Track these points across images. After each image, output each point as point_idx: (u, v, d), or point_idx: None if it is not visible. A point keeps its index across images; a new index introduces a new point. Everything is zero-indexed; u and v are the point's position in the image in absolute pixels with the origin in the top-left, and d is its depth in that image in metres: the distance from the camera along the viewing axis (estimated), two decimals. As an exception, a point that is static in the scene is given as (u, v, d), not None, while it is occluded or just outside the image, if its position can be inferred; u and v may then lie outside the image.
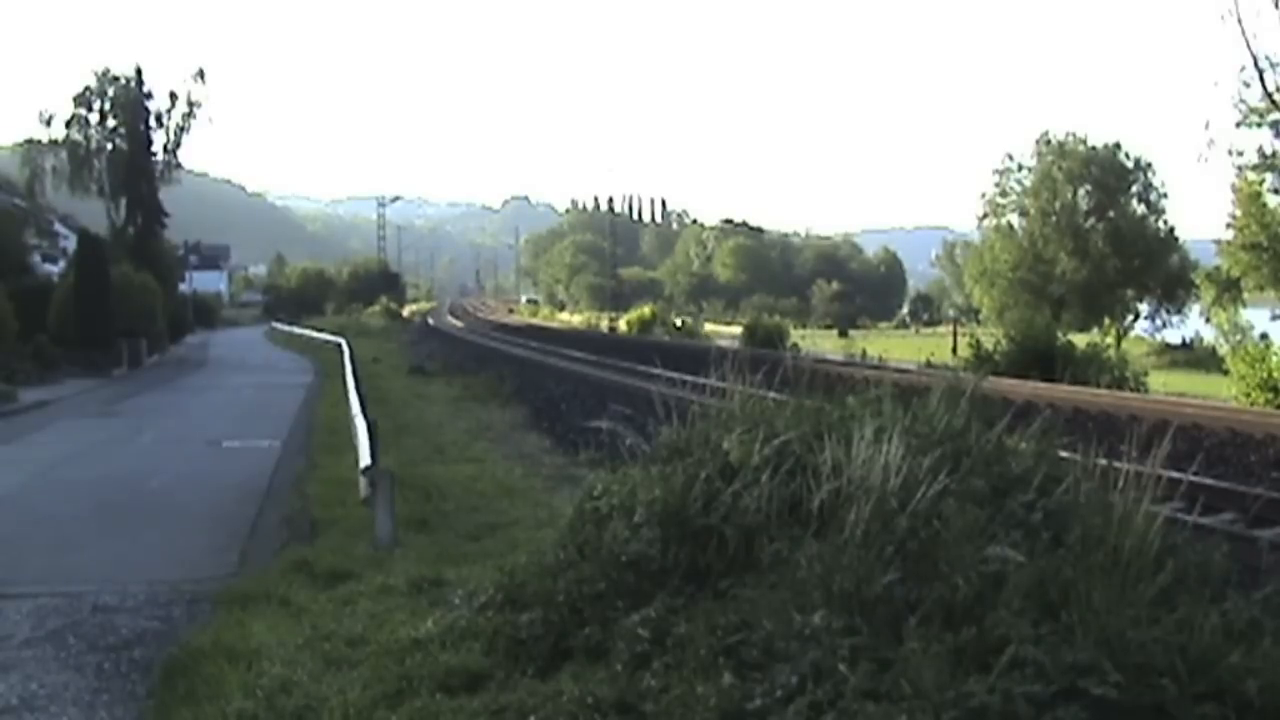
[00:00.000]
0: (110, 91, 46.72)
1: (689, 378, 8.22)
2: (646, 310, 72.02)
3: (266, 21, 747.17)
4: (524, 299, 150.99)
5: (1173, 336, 55.56)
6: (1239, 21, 28.83)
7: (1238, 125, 33.79)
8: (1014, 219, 59.07)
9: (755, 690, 3.85)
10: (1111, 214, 56.01)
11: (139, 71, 47.08)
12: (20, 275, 36.24)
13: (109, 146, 46.76)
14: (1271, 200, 36.52)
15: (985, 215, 59.74)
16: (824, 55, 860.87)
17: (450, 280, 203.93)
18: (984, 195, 59.18)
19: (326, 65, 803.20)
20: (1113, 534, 4.29)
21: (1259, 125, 33.48)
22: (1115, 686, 3.44)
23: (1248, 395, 19.85)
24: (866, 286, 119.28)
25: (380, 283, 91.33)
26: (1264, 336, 32.50)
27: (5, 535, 10.00)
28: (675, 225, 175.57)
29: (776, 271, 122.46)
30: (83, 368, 31.26)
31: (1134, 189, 56.72)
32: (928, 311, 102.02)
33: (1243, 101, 32.79)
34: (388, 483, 8.69)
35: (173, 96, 47.48)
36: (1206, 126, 46.03)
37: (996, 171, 58.94)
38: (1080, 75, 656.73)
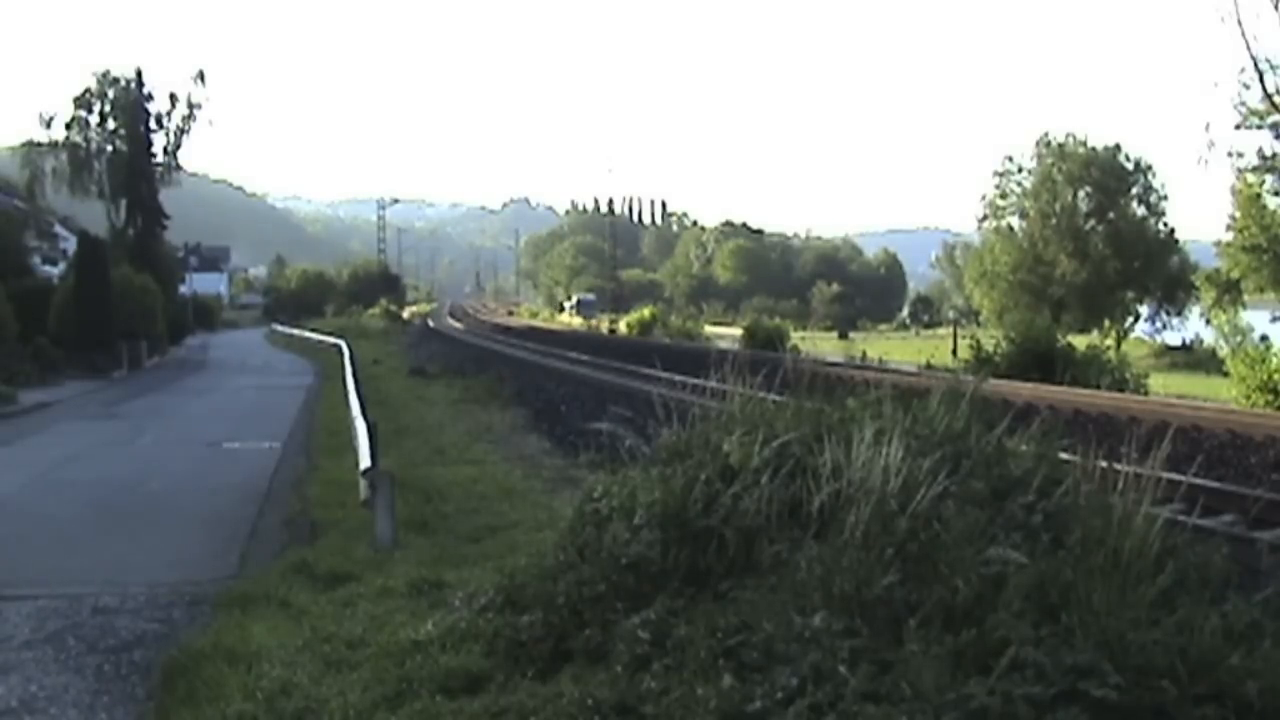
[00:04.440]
0: (110, 93, 46.81)
1: (689, 379, 8.22)
2: (646, 312, 71.89)
3: (266, 23, 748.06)
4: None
5: (1173, 338, 55.65)
6: (1239, 23, 29.11)
7: (1237, 127, 34.05)
8: (1014, 221, 59.28)
9: (755, 692, 3.84)
10: (1111, 216, 56.14)
11: (139, 73, 47.27)
12: (20, 277, 36.23)
13: (109, 148, 46.86)
14: (1271, 202, 36.69)
15: (985, 217, 59.94)
16: (824, 57, 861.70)
17: (450, 282, 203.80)
18: (984, 197, 59.42)
19: (326, 67, 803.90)
20: (1113, 536, 4.28)
21: (1259, 127, 33.68)
22: (1115, 688, 3.44)
23: (1248, 397, 19.85)
24: (866, 288, 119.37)
25: (380, 284, 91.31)
26: (1264, 338, 32.47)
27: (5, 537, 9.99)
28: (675, 227, 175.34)
29: (776, 273, 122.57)
30: (83, 369, 31.29)
31: (1134, 191, 56.89)
32: (928, 313, 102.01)
33: (1242, 103, 33.01)
34: (388, 485, 8.69)
35: (173, 98, 47.65)
36: (1206, 128, 46.64)
37: (996, 173, 59.17)
38: (1080, 76, 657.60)
